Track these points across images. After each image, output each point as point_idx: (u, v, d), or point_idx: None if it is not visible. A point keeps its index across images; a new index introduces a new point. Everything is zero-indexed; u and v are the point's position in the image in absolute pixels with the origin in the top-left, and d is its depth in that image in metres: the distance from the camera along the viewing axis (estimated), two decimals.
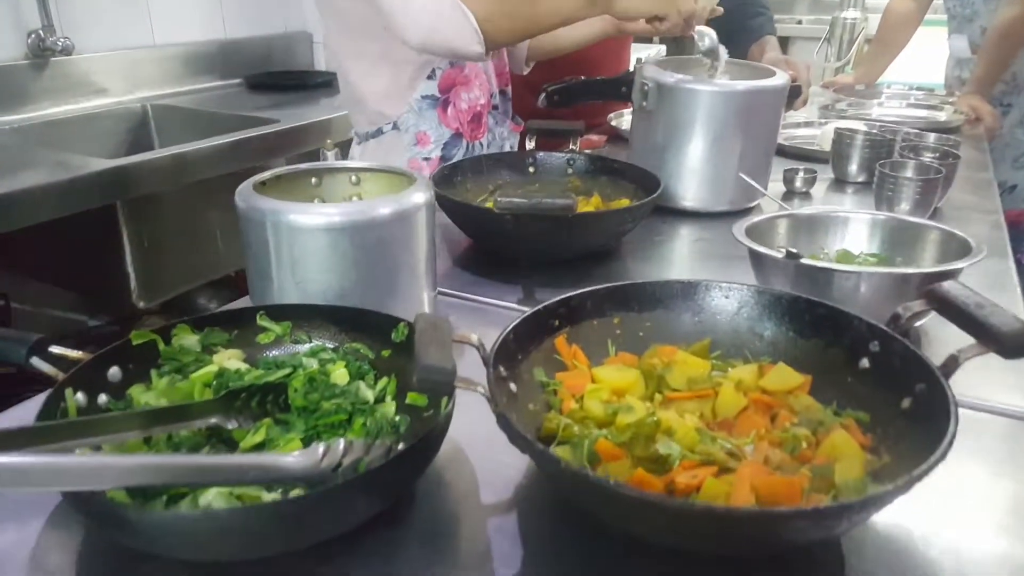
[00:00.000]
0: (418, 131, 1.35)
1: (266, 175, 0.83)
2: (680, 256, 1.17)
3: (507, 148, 1.47)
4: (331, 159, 0.91)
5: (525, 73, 1.57)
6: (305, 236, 0.72)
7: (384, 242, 0.75)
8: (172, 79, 2.26)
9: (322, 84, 2.39)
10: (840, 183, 1.46)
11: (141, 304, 1.66)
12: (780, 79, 1.25)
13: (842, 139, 1.44)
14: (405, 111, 1.33)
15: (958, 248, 0.82)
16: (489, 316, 0.89)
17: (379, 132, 1.36)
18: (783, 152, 1.65)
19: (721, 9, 1.23)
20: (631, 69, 1.27)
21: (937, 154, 1.34)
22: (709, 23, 1.70)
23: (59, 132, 1.92)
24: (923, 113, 2.10)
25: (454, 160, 1.32)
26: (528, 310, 0.65)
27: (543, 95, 1.28)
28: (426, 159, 1.36)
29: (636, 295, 0.72)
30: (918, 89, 2.43)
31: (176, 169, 1.63)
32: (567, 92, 1.27)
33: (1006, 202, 2.27)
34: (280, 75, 2.47)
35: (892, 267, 0.85)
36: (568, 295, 0.68)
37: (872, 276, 0.75)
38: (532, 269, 1.01)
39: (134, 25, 2.18)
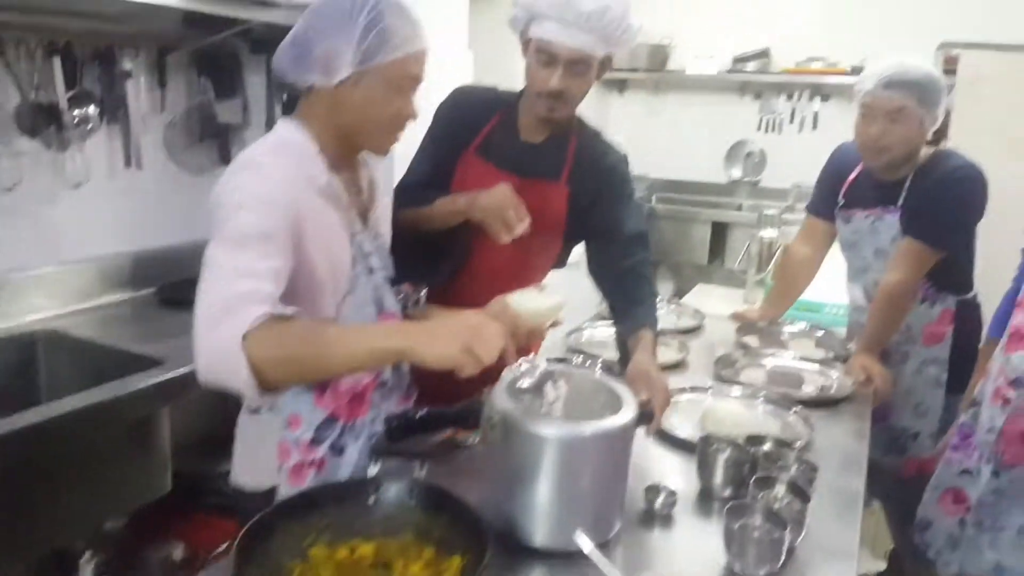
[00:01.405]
0: (291, 413, 1.34)
1: None
2: None
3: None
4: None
5: None
6: None
7: None
8: (78, 296, 2.23)
9: None
10: (707, 497, 1.42)
11: None
12: (627, 414, 1.23)
13: (705, 454, 1.42)
14: (282, 393, 1.29)
15: None
16: None
17: (257, 411, 1.36)
18: (661, 436, 1.63)
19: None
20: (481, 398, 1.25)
21: (792, 487, 1.32)
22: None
23: None
24: (816, 369, 2.13)
25: (328, 441, 1.35)
26: None
27: (384, 428, 1.24)
28: (296, 442, 1.35)
29: None
30: (820, 327, 2.48)
31: (26, 442, 1.54)
32: (409, 426, 1.24)
33: (911, 448, 2.29)
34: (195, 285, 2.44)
35: None
36: None
37: None
38: None
39: (40, 242, 2.16)
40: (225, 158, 2.65)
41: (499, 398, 1.23)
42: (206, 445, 2.13)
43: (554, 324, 1.27)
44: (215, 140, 2.63)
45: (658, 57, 5.07)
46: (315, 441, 1.35)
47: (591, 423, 1.21)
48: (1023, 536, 1.56)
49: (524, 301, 1.23)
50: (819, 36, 4.72)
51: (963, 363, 2.20)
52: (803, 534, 1.26)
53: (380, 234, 1.49)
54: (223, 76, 2.62)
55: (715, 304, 2.87)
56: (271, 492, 1.36)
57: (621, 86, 5.43)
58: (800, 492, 1.30)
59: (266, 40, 2.59)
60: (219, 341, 1.06)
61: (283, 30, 2.17)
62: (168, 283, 2.41)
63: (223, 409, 2.23)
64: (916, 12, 4.46)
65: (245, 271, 1.13)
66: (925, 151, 2.13)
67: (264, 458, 1.36)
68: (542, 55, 1.61)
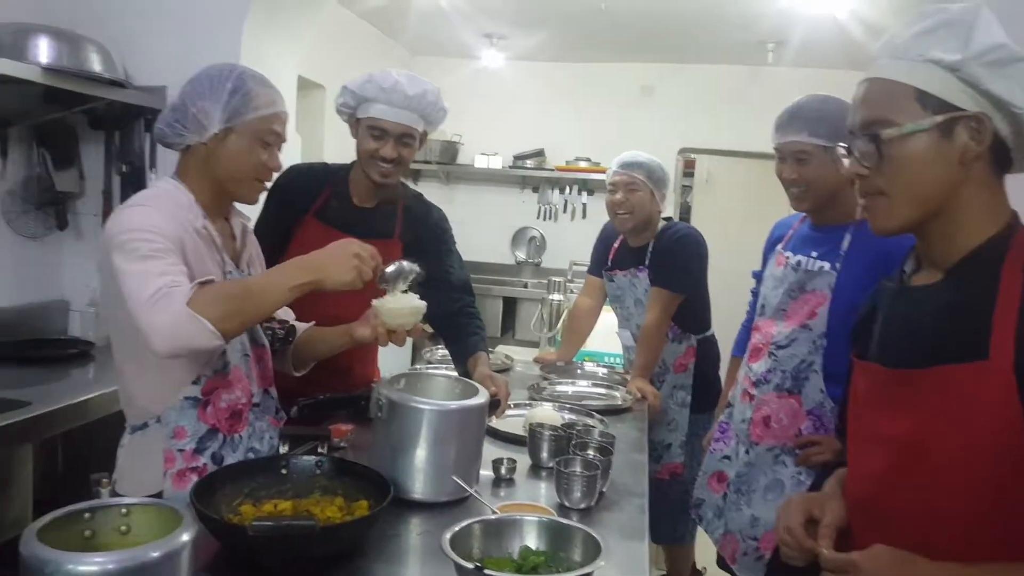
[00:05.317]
0: (176, 426, 1.51)
1: (47, 518, 0.98)
2: (412, 548, 1.41)
3: (267, 440, 1.66)
4: (104, 496, 1.08)
5: (298, 375, 1.77)
6: None
7: None
8: None
9: (76, 355, 2.46)
10: (536, 468, 1.84)
11: None
12: (482, 397, 1.62)
13: (534, 435, 1.84)
14: (168, 407, 1.51)
15: (594, 548, 1.18)
16: None
17: (144, 426, 1.52)
18: (497, 435, 2.02)
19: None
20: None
21: (600, 449, 1.77)
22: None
23: None
24: (604, 391, 2.66)
25: (210, 451, 1.53)
26: None
27: (296, 408, 1.54)
28: (180, 450, 1.52)
29: None
30: (605, 366, 3.05)
31: None
32: (316, 407, 1.55)
33: (665, 456, 2.85)
34: (29, 344, 2.51)
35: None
36: None
37: None
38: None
39: None
40: (62, 224, 2.76)
41: (384, 386, 1.58)
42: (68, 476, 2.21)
43: (412, 330, 1.57)
44: (52, 207, 2.74)
45: (449, 152, 5.70)
46: (198, 451, 1.53)
47: (456, 402, 1.59)
48: (768, 493, 2.09)
49: (387, 302, 1.55)
50: (585, 140, 5.60)
51: (704, 389, 2.83)
52: (609, 481, 1.71)
53: (252, 275, 1.71)
54: (61, 148, 2.76)
55: (516, 356, 3.36)
56: (156, 497, 1.47)
57: (416, 176, 5.99)
58: (606, 451, 1.75)
59: (105, 117, 2.77)
60: (170, 317, 1.31)
61: (122, 108, 2.45)
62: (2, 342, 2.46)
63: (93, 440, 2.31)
64: (662, 124, 5.47)
65: (160, 272, 1.37)
66: (661, 224, 2.83)
67: (149, 467, 1.52)
68: (375, 131, 1.97)
